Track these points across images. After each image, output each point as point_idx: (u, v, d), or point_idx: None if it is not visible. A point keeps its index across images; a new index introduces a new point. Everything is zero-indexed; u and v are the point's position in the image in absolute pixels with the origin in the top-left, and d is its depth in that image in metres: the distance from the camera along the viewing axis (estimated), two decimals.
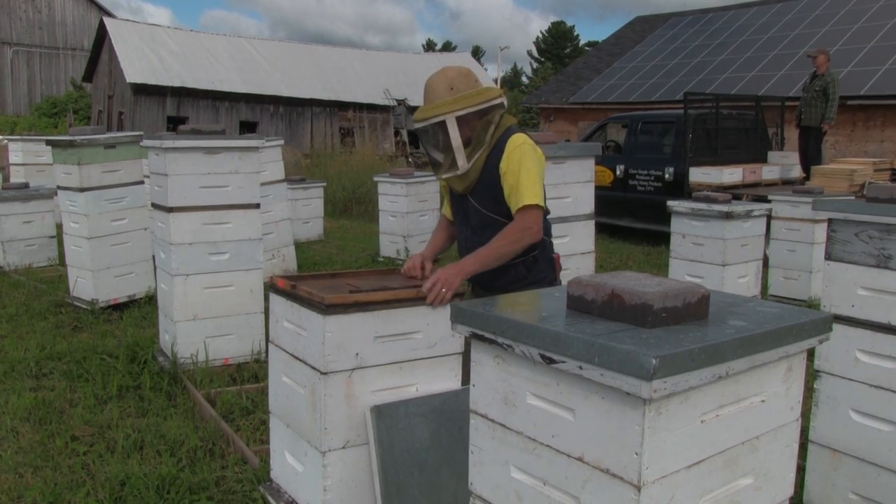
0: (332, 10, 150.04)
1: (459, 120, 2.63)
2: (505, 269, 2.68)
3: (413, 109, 29.88)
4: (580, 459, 1.53)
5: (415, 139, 29.96)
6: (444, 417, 2.59)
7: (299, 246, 8.60)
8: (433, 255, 2.86)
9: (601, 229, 8.64)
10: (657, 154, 10.59)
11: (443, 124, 2.63)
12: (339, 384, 2.47)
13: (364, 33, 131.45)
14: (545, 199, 2.70)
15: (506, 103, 2.74)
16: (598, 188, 4.97)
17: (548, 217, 2.79)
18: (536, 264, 2.74)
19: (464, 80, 2.67)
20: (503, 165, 2.64)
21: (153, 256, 5.65)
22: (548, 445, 1.60)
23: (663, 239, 8.46)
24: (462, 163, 2.66)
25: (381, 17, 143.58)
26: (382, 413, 2.50)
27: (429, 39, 65.48)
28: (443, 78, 2.67)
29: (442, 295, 2.51)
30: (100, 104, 28.93)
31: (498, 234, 2.61)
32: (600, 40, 26.10)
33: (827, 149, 13.36)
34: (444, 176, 2.75)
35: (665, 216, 5.98)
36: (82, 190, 5.66)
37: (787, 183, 9.75)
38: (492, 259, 2.60)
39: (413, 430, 2.55)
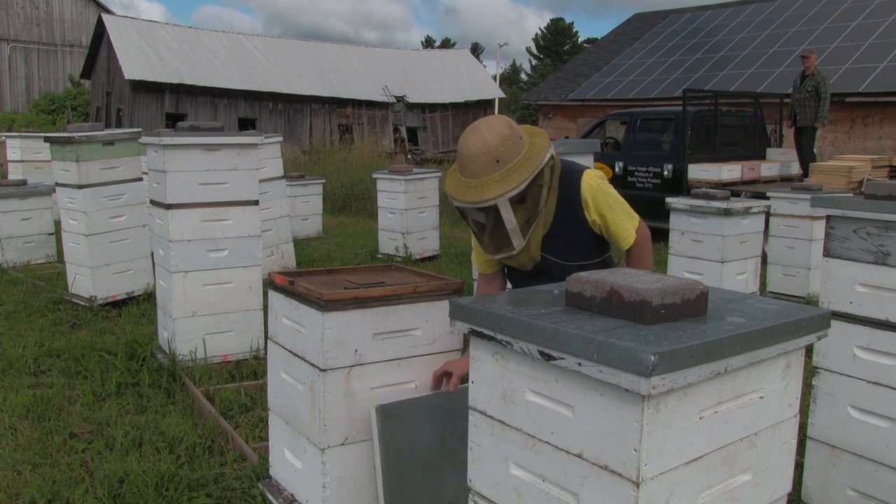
0: (326, 6, 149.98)
1: (511, 198, 2.31)
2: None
3: (412, 106, 29.96)
4: (579, 456, 1.53)
5: (413, 136, 29.96)
6: (449, 416, 2.56)
7: (298, 243, 8.60)
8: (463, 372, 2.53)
9: None
10: (656, 151, 10.59)
11: (493, 207, 2.33)
12: (338, 381, 2.47)
13: (359, 29, 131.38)
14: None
15: (555, 155, 2.45)
16: None
17: None
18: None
19: (509, 146, 2.32)
20: (593, 216, 2.48)
21: (152, 253, 5.65)
22: (547, 442, 1.60)
23: (662, 236, 8.46)
24: (518, 243, 2.40)
25: (376, 13, 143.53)
26: (387, 412, 2.47)
27: (428, 36, 65.47)
28: (484, 148, 2.30)
29: None
30: (98, 101, 28.89)
31: (635, 262, 2.50)
32: (599, 37, 26.07)
33: (825, 146, 13.39)
34: (497, 257, 2.49)
35: (664, 213, 5.98)
36: (81, 187, 5.66)
37: (785, 180, 9.77)
38: None
39: (418, 429, 2.52)
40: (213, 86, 25.85)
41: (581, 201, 2.48)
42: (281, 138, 7.80)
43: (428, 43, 57.50)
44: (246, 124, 26.38)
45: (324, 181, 11.41)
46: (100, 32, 27.46)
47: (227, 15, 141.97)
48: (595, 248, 2.57)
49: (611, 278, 1.65)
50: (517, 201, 2.37)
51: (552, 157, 2.41)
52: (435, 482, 2.55)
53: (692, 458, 1.50)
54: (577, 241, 2.53)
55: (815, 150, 10.20)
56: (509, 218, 2.34)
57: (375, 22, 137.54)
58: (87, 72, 30.07)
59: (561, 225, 2.50)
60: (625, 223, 2.51)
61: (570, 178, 2.49)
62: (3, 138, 11.86)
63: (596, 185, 2.50)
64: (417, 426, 2.52)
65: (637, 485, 1.41)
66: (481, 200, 2.30)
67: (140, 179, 6.02)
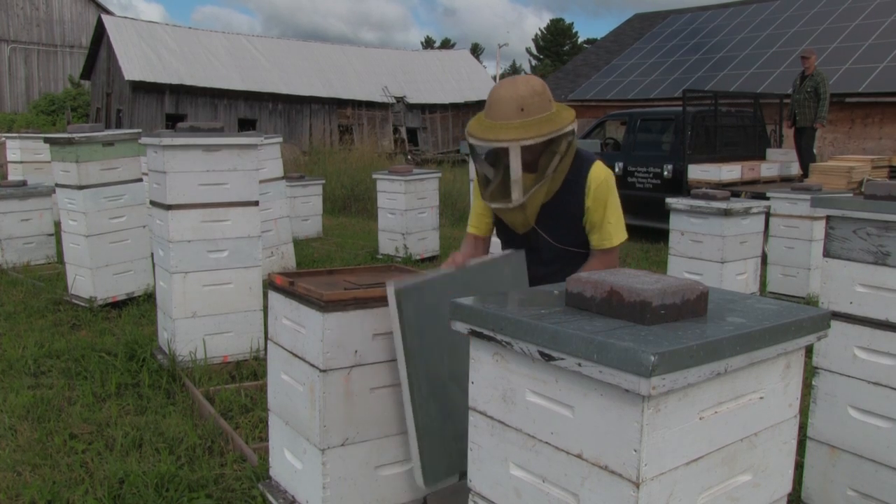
0: (324, 6, 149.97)
1: (524, 148, 2.36)
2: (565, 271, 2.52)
3: (412, 107, 29.97)
4: (579, 456, 1.53)
5: (413, 136, 29.96)
6: (469, 291, 2.44)
7: (298, 243, 8.60)
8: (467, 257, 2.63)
9: None
10: (656, 151, 10.59)
11: (504, 151, 2.38)
12: (338, 381, 2.47)
13: (358, 29, 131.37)
14: None
15: (576, 129, 2.49)
16: None
17: None
18: None
19: (537, 100, 2.38)
20: (589, 202, 2.51)
21: (152, 254, 5.65)
22: (547, 442, 1.60)
23: (662, 236, 8.46)
24: (517, 196, 2.42)
25: (375, 13, 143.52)
26: (408, 294, 2.27)
27: (428, 37, 65.47)
28: (514, 94, 2.37)
29: None
30: (98, 102, 28.90)
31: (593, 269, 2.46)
32: (599, 38, 26.08)
33: (825, 146, 13.39)
34: (493, 205, 2.52)
35: (664, 213, 5.98)
36: (81, 187, 5.66)
37: (785, 180, 9.76)
38: None
39: (438, 309, 2.28)
40: (212, 86, 25.86)
41: (586, 185, 2.52)
42: (281, 139, 7.80)
43: (428, 43, 57.55)
44: (246, 125, 26.39)
45: (324, 182, 11.41)
46: (99, 33, 27.47)
47: (225, 15, 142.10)
48: (586, 238, 2.60)
49: (611, 279, 1.65)
50: (528, 158, 2.42)
51: (573, 133, 2.47)
52: (460, 364, 2.39)
53: (692, 458, 1.50)
54: (571, 225, 2.56)
55: (814, 151, 10.20)
56: (516, 167, 2.37)
57: (374, 22, 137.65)
58: (87, 72, 30.08)
59: (560, 203, 2.54)
60: (613, 226, 2.55)
61: (582, 161, 2.54)
62: (3, 139, 11.86)
63: (605, 176, 2.55)
64: (438, 306, 2.31)
65: (637, 485, 1.41)
66: (496, 140, 2.36)
67: (140, 180, 6.02)
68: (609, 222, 2.54)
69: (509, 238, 2.68)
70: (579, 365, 1.47)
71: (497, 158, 2.47)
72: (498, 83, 2.46)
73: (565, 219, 2.55)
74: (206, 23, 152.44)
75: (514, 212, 2.52)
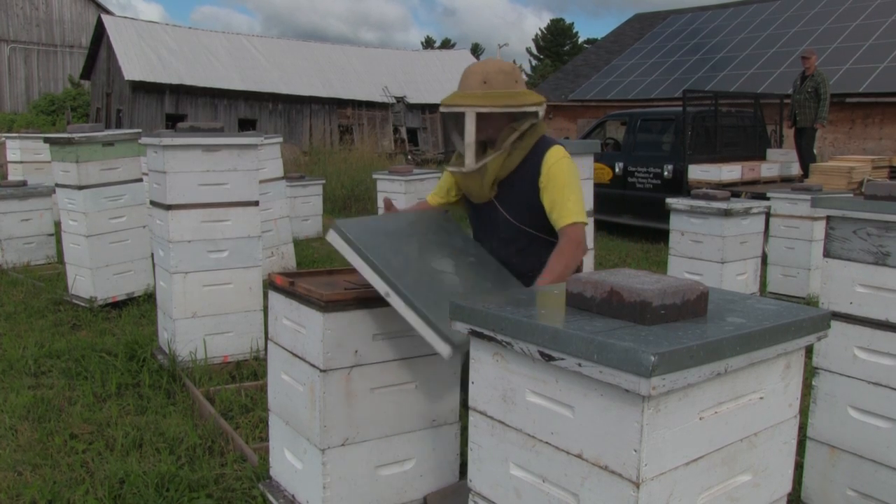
0: (323, 6, 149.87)
1: (480, 117, 2.52)
2: (535, 259, 2.63)
3: (412, 107, 29.98)
4: (579, 456, 1.53)
5: (413, 137, 29.97)
6: (429, 231, 2.66)
7: (298, 243, 8.60)
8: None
9: (600, 226, 8.65)
10: (656, 151, 10.59)
11: (461, 116, 2.54)
12: (338, 382, 2.47)
13: (357, 29, 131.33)
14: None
15: (542, 113, 2.61)
16: (597, 185, 4.98)
17: None
18: None
19: (501, 77, 2.55)
20: (543, 180, 2.58)
21: (152, 254, 5.65)
22: (547, 443, 1.60)
23: (662, 236, 8.46)
24: (469, 162, 2.57)
25: (374, 13, 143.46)
26: (348, 226, 2.44)
27: (428, 37, 65.47)
28: (480, 69, 2.57)
29: None
30: (98, 102, 28.90)
31: (554, 257, 2.51)
32: (599, 38, 26.09)
33: (826, 146, 13.39)
34: (449, 169, 2.70)
35: (664, 213, 5.98)
36: (81, 188, 5.66)
37: (785, 180, 9.76)
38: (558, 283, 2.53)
39: (391, 233, 2.53)
40: (212, 86, 25.86)
41: (542, 164, 2.60)
42: (281, 139, 7.80)
43: (428, 43, 57.54)
44: (246, 125, 26.39)
45: (324, 182, 11.41)
46: (99, 33, 27.47)
47: (224, 15, 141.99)
48: (548, 223, 2.65)
49: (611, 279, 1.65)
50: (487, 128, 2.56)
51: (537, 116, 2.59)
52: (438, 258, 2.52)
53: (692, 458, 1.50)
54: (528, 203, 2.64)
55: (815, 151, 10.20)
56: (470, 131, 2.52)
57: (373, 22, 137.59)
58: (87, 72, 30.08)
59: (518, 181, 2.63)
60: (568, 205, 2.57)
61: (544, 145, 2.64)
62: (3, 139, 11.86)
63: (561, 156, 2.61)
64: (385, 231, 2.54)
65: (637, 485, 1.41)
66: (455, 104, 2.54)
67: (140, 180, 6.02)
68: (569, 200, 2.57)
69: (474, 213, 2.82)
70: (579, 365, 1.47)
71: (458, 125, 2.60)
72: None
73: (522, 196, 2.64)
74: (205, 23, 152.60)
75: (471, 179, 2.65)
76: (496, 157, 2.58)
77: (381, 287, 2.33)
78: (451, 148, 2.72)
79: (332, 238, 2.44)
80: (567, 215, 2.56)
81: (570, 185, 2.58)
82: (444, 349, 2.21)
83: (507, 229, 2.70)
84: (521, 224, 2.67)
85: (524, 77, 2.77)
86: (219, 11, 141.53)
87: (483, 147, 2.67)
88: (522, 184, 2.62)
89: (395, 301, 2.30)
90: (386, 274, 2.32)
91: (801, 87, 9.87)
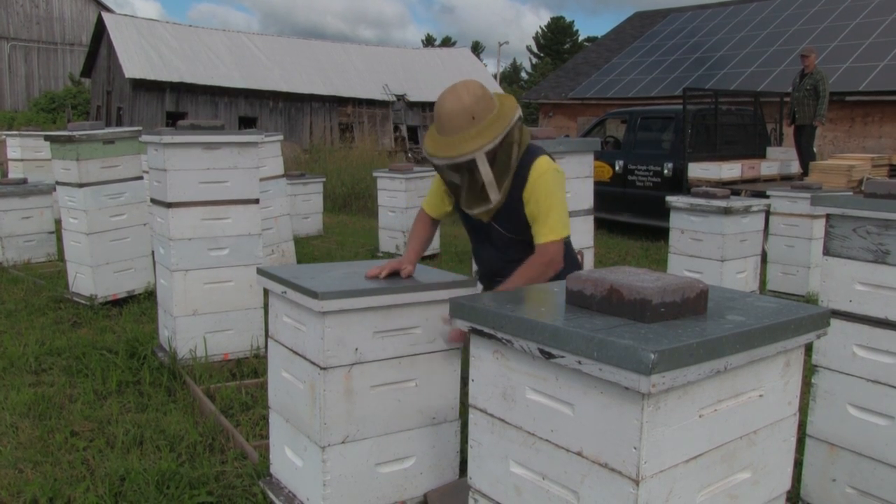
0: (321, 4, 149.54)
1: (488, 152, 2.45)
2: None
3: (412, 105, 29.93)
4: (579, 454, 1.53)
5: (414, 135, 29.95)
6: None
7: (298, 241, 8.61)
8: (416, 258, 2.74)
9: (600, 225, 8.64)
10: (656, 150, 10.59)
11: (471, 161, 2.46)
12: (338, 379, 2.47)
13: (355, 27, 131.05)
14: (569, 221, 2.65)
15: (520, 115, 2.57)
16: (597, 184, 4.98)
17: None
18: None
19: (482, 105, 2.47)
20: (526, 194, 2.55)
21: (152, 252, 5.65)
22: (547, 440, 1.60)
23: (662, 234, 8.46)
24: (495, 196, 2.52)
25: (372, 10, 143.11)
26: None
27: (428, 35, 65.39)
28: (460, 107, 2.44)
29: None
30: (98, 99, 28.88)
31: (521, 269, 2.52)
32: (599, 36, 26.07)
33: (825, 144, 13.39)
34: (475, 212, 2.60)
35: (664, 211, 5.99)
36: (81, 185, 5.66)
37: (785, 179, 9.77)
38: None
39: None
40: (213, 84, 25.83)
41: (527, 176, 2.56)
42: (281, 137, 7.81)
43: (428, 41, 57.50)
44: (246, 123, 26.37)
45: (324, 179, 11.42)
46: (100, 31, 27.43)
47: (222, 13, 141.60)
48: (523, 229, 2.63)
49: (611, 277, 1.66)
50: (491, 157, 2.49)
51: (520, 118, 2.54)
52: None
53: (692, 455, 1.51)
54: (516, 215, 2.61)
55: (814, 149, 10.20)
56: (486, 171, 2.46)
57: (371, 20, 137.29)
58: (88, 70, 30.05)
59: (513, 195, 2.59)
60: (549, 221, 2.54)
61: (529, 155, 2.59)
62: (4, 137, 11.86)
63: (544, 169, 2.56)
64: None
65: (637, 482, 1.42)
66: (462, 154, 2.44)
67: (140, 178, 6.02)
68: (549, 217, 2.54)
69: (467, 221, 2.80)
70: (579, 363, 1.47)
71: (464, 168, 2.51)
72: (441, 95, 2.51)
73: (511, 208, 2.61)
74: (203, 20, 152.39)
75: (479, 205, 2.59)
76: (511, 177, 2.55)
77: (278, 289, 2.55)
78: (456, 189, 2.62)
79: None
80: (545, 233, 2.55)
81: (551, 199, 2.54)
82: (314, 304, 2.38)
83: (499, 239, 2.71)
84: (512, 235, 2.66)
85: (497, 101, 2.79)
86: (216, 9, 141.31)
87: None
88: (510, 196, 2.59)
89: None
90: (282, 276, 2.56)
91: (800, 84, 9.87)
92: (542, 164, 2.57)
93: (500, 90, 33.13)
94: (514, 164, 2.54)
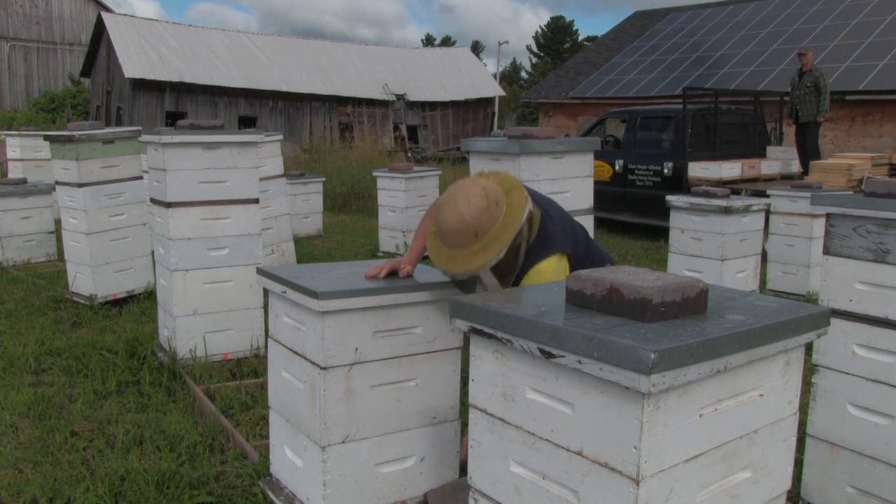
0: (320, 4, 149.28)
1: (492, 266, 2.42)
2: None
3: (412, 104, 29.93)
4: (579, 454, 1.53)
5: (414, 134, 29.96)
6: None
7: (298, 241, 8.61)
8: (417, 259, 2.73)
9: (600, 224, 8.64)
10: (656, 149, 10.59)
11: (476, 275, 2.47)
12: (338, 379, 2.47)
13: (354, 26, 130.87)
14: (601, 257, 2.67)
15: (533, 209, 2.50)
16: (597, 183, 4.96)
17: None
18: None
19: (486, 218, 2.37)
20: (525, 281, 2.51)
21: (152, 252, 5.65)
22: (547, 440, 1.60)
23: (662, 234, 8.46)
24: (495, 287, 2.51)
25: (370, 9, 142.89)
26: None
27: (428, 34, 65.42)
28: (461, 225, 2.36)
29: None
30: (98, 99, 28.88)
31: None
32: (599, 35, 26.06)
33: (825, 144, 13.38)
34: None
35: (664, 211, 5.98)
36: (81, 185, 5.66)
37: (785, 178, 9.77)
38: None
39: None
40: (213, 84, 25.84)
41: (524, 275, 2.50)
42: (281, 136, 7.81)
43: (428, 41, 57.51)
44: (246, 122, 26.38)
45: (324, 179, 11.42)
46: (99, 31, 27.44)
47: (221, 12, 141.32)
48: None
49: (611, 276, 1.65)
50: (497, 266, 2.44)
51: (530, 213, 2.47)
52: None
53: (692, 455, 1.51)
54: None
55: (818, 145, 10.19)
56: (491, 281, 2.47)
57: (370, 19, 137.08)
58: (87, 70, 30.05)
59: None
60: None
61: (534, 255, 2.50)
62: (3, 136, 11.86)
63: (541, 276, 2.47)
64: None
65: (637, 482, 1.42)
66: (466, 271, 2.43)
67: (140, 178, 6.02)
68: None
69: None
70: (579, 362, 1.47)
71: (474, 278, 2.54)
72: (441, 207, 2.42)
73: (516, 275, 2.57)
74: (202, 20, 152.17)
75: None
76: (517, 270, 2.51)
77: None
78: (465, 285, 2.63)
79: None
80: None
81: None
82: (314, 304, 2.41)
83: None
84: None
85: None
86: (215, 8, 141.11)
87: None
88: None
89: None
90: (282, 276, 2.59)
91: (800, 83, 9.86)
92: (540, 272, 2.47)
93: (500, 91, 33.18)
94: (522, 259, 2.49)
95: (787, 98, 10.51)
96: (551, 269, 2.48)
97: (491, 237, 2.38)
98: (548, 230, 2.54)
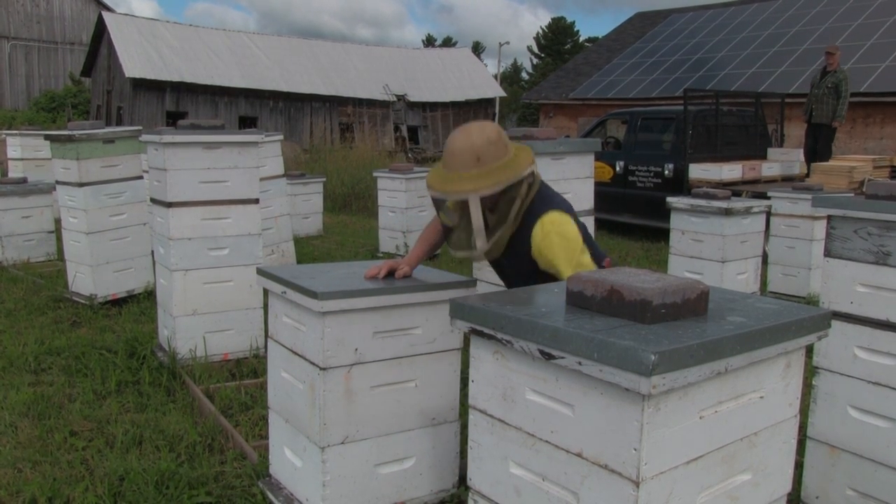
0: (318, 4, 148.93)
1: (483, 197, 2.36)
2: None
3: (412, 105, 29.96)
4: (579, 455, 1.53)
5: (414, 135, 29.96)
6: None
7: (298, 241, 8.60)
8: (417, 261, 2.71)
9: (601, 225, 8.64)
10: (657, 150, 10.59)
11: (464, 201, 2.39)
12: (338, 379, 2.47)
13: (353, 26, 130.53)
14: (596, 254, 2.55)
15: (536, 173, 2.47)
16: (597, 184, 4.97)
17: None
18: None
19: (492, 149, 2.38)
20: (534, 253, 2.45)
21: (152, 251, 5.65)
22: (547, 441, 1.60)
23: (663, 235, 8.46)
24: (481, 245, 2.41)
25: (369, 9, 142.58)
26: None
27: (429, 35, 65.43)
28: (469, 145, 2.37)
29: None
30: (98, 99, 28.88)
31: None
32: (600, 36, 26.07)
33: None
34: (458, 255, 2.52)
35: (664, 212, 5.98)
36: (81, 185, 5.65)
37: (786, 180, 9.76)
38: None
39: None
40: (213, 84, 25.85)
41: (531, 237, 2.46)
42: (281, 136, 7.81)
43: (429, 41, 57.51)
44: (246, 122, 26.38)
45: (324, 179, 11.42)
46: (100, 30, 27.45)
47: (220, 12, 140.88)
48: (541, 274, 2.52)
49: (611, 277, 1.65)
50: (489, 206, 2.42)
51: (532, 175, 2.45)
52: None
53: (692, 457, 1.50)
54: (527, 260, 2.51)
55: (832, 149, 10.13)
56: (477, 216, 2.37)
57: (369, 19, 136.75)
58: (88, 70, 30.06)
59: (520, 246, 2.50)
60: (561, 264, 2.42)
61: (534, 212, 2.47)
62: (4, 136, 11.86)
63: (547, 232, 2.44)
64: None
65: (637, 484, 1.41)
66: (455, 192, 2.38)
67: (140, 177, 6.02)
68: (559, 260, 2.42)
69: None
70: (580, 364, 1.47)
71: (458, 208, 2.48)
72: (454, 132, 2.45)
73: (522, 256, 2.52)
74: (201, 19, 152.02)
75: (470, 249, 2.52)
76: (504, 231, 2.45)
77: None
78: (447, 230, 2.57)
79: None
80: (563, 273, 2.42)
81: (561, 254, 2.42)
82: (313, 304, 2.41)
83: (510, 268, 2.63)
84: (526, 269, 2.55)
85: (506, 142, 2.69)
86: (214, 8, 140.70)
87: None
88: (515, 250, 2.51)
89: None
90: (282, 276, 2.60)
91: (821, 82, 9.80)
92: (543, 225, 2.43)
93: (501, 92, 33.18)
94: (514, 219, 2.43)
95: (788, 99, 10.48)
96: (556, 220, 2.44)
97: (490, 168, 2.37)
98: (549, 193, 2.55)
